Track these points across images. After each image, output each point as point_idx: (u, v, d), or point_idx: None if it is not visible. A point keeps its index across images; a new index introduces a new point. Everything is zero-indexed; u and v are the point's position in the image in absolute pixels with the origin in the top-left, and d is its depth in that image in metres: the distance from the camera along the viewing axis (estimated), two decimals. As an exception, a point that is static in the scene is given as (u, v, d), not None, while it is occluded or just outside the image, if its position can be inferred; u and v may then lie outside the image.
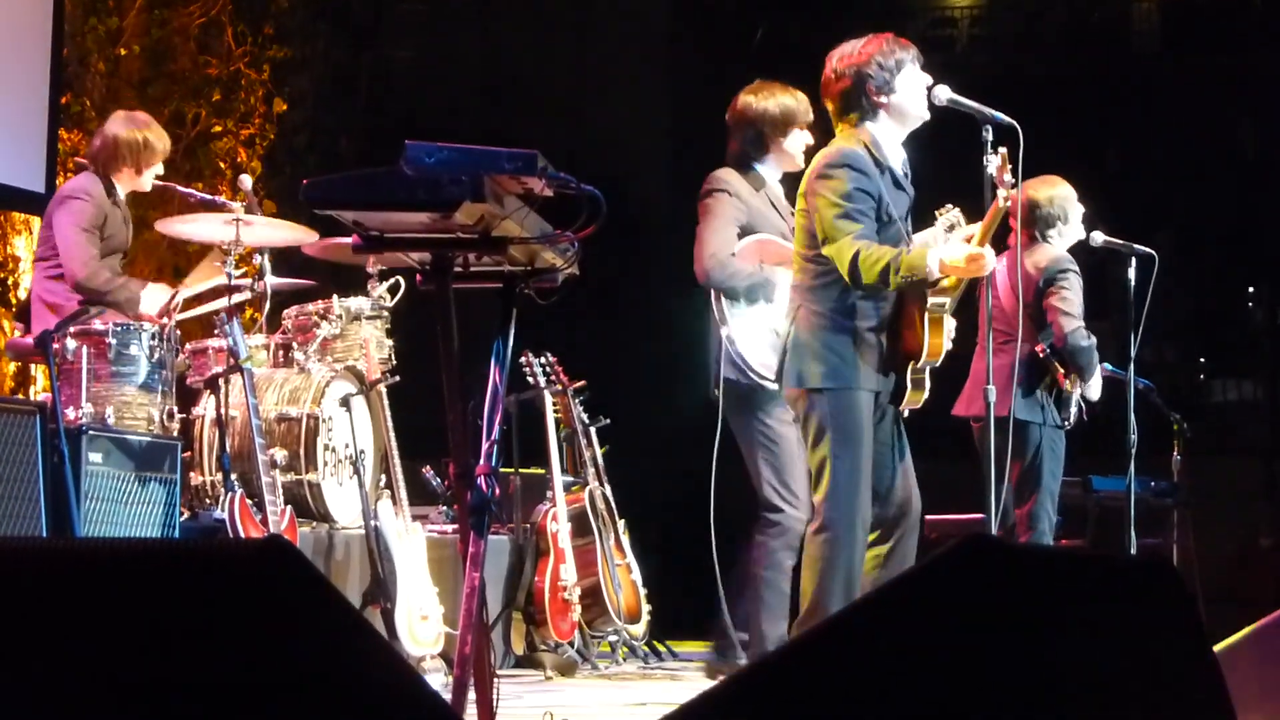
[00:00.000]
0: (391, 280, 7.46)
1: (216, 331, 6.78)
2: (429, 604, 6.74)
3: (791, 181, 6.73)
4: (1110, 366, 7.31)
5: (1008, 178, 5.45)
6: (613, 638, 8.12)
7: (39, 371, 8.72)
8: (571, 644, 7.74)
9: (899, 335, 5.59)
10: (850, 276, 5.46)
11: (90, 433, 6.06)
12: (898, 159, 5.68)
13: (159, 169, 7.23)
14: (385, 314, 7.49)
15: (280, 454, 6.96)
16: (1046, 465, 7.01)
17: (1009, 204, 5.49)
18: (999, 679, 2.26)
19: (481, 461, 3.98)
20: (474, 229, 3.90)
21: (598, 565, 7.86)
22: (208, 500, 6.92)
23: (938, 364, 5.62)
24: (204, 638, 2.20)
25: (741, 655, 6.70)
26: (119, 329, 6.48)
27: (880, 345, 5.58)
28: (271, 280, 7.13)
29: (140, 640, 2.23)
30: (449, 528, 7.82)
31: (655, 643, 8.42)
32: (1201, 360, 13.76)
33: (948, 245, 5.51)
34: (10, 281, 9.36)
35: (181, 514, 6.52)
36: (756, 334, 6.42)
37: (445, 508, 8.18)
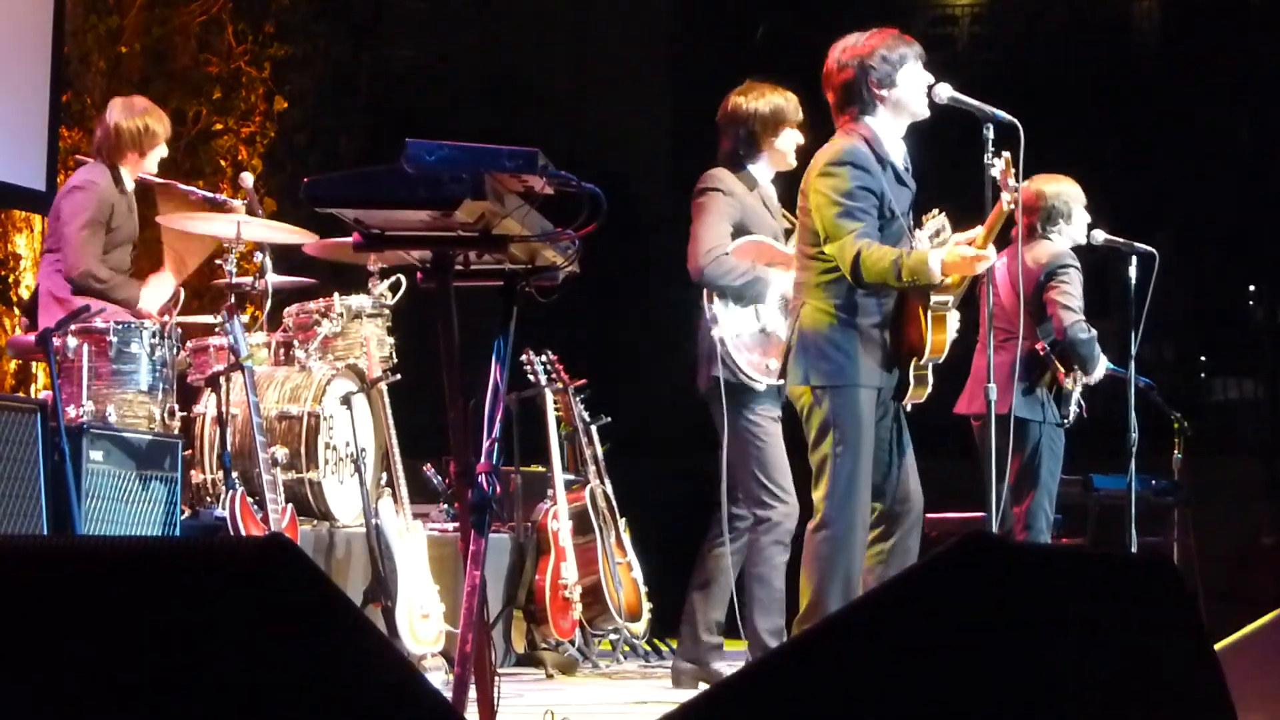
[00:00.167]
0: (392, 278, 7.46)
1: (217, 330, 6.78)
2: (430, 602, 6.74)
3: (783, 181, 6.76)
4: (1111, 365, 7.31)
5: (1012, 181, 5.46)
6: (613, 636, 8.13)
7: (40, 369, 8.72)
8: (572, 642, 7.74)
9: (902, 331, 5.59)
10: (852, 275, 5.47)
11: (91, 431, 6.06)
12: (898, 154, 5.68)
13: (164, 151, 7.24)
14: (386, 312, 7.49)
15: (281, 452, 6.96)
16: (1045, 464, 7.01)
17: (1012, 207, 5.50)
18: (999, 677, 2.26)
19: (482, 460, 3.98)
20: (475, 227, 3.90)
21: (598, 563, 7.86)
22: (209, 498, 6.92)
23: (940, 360, 5.62)
24: (205, 636, 2.20)
25: (716, 657, 6.73)
26: (120, 327, 6.47)
27: (884, 342, 5.59)
28: (272, 278, 7.14)
29: (141, 639, 2.23)
30: (450, 526, 7.82)
31: (656, 641, 8.42)
32: (1202, 359, 13.75)
33: (948, 247, 5.51)
34: (11, 279, 9.36)
35: (182, 512, 6.53)
36: (747, 334, 6.44)
37: (446, 506, 8.18)
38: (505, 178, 3.84)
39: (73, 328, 6.37)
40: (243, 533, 6.19)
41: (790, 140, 6.65)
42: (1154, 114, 12.86)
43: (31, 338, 6.76)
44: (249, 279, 7.04)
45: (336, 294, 7.44)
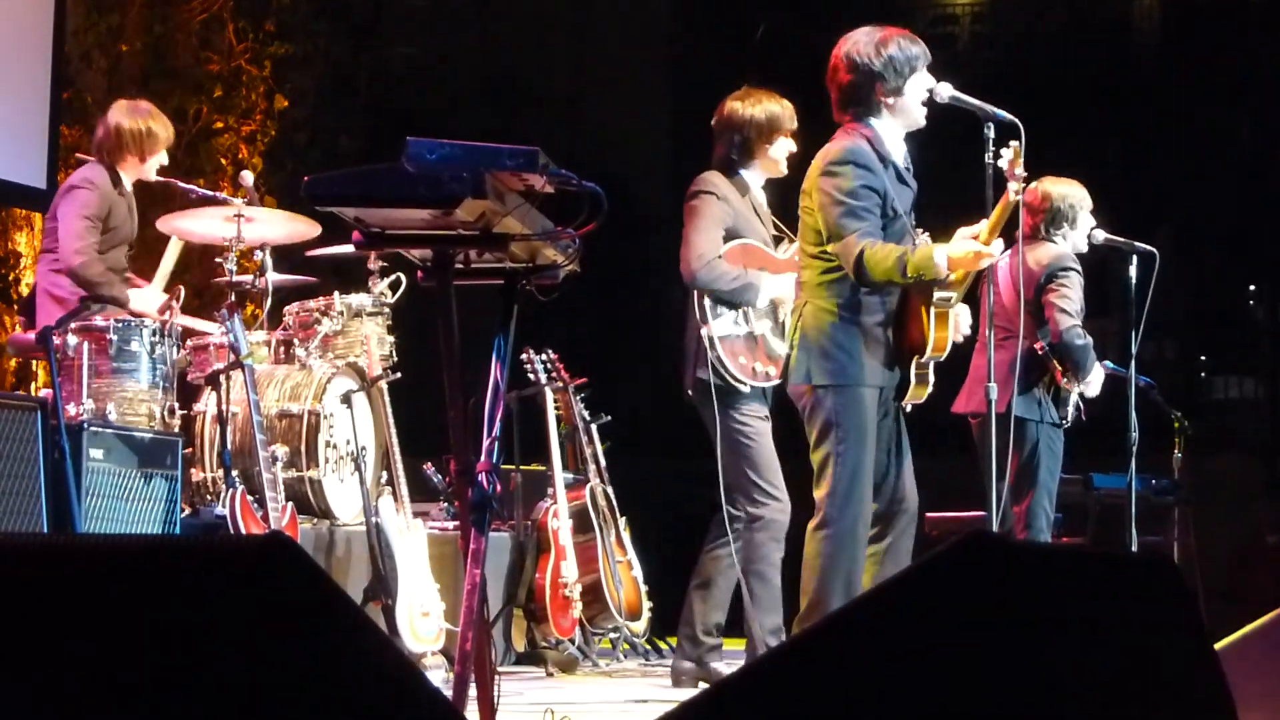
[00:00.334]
0: (393, 277, 7.47)
1: (218, 328, 6.79)
2: (430, 601, 6.74)
3: (774, 188, 6.78)
4: (1111, 364, 7.31)
5: (1019, 172, 5.46)
6: (613, 635, 8.13)
7: (40, 367, 8.72)
8: (572, 641, 7.74)
9: (904, 330, 5.59)
10: (856, 274, 5.46)
11: (91, 429, 6.07)
12: (900, 153, 5.68)
13: (163, 157, 7.23)
14: (386, 310, 7.49)
15: (281, 450, 6.96)
16: (1044, 463, 7.01)
17: (1018, 198, 5.49)
18: (1000, 676, 2.26)
19: (482, 458, 3.98)
20: (475, 226, 3.90)
21: (599, 562, 7.86)
22: (209, 496, 6.93)
23: (942, 358, 5.62)
24: (205, 634, 2.20)
25: (715, 658, 6.73)
26: (120, 325, 6.48)
27: (887, 341, 5.58)
28: (273, 276, 7.14)
29: (141, 637, 2.23)
30: (450, 524, 7.82)
31: (656, 640, 8.42)
32: (1202, 358, 13.74)
33: (954, 242, 5.51)
34: (11, 277, 9.36)
35: (182, 510, 6.53)
36: (735, 336, 6.46)
37: (446, 504, 8.18)
38: (506, 176, 3.84)
39: (73, 325, 6.37)
40: (243, 531, 6.19)
41: (784, 148, 6.68)
42: (1154, 113, 12.86)
43: (32, 335, 6.76)
44: (249, 277, 7.04)
45: (337, 292, 7.44)
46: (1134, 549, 7.09)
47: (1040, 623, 2.35)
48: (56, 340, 6.25)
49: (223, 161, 10.24)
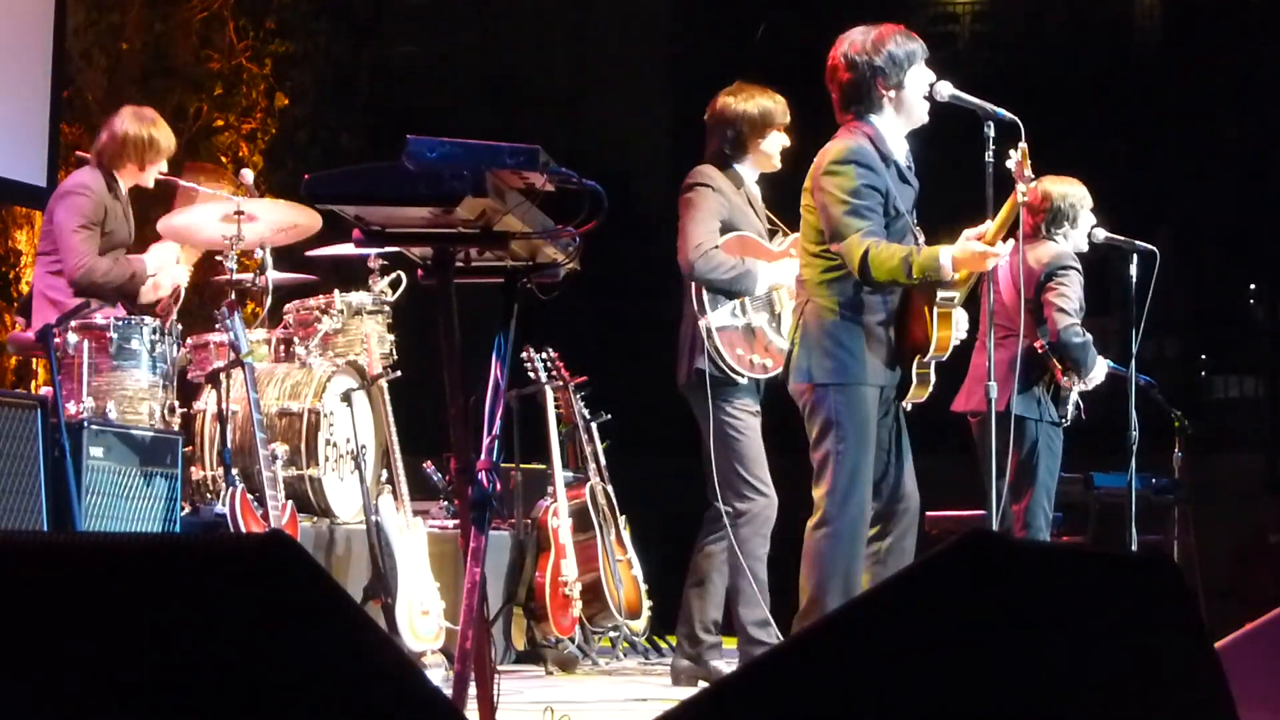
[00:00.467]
0: (393, 275, 7.47)
1: (217, 326, 6.79)
2: (430, 599, 6.74)
3: (766, 182, 6.78)
4: (1112, 363, 7.31)
5: (1028, 173, 5.47)
6: (613, 633, 8.13)
7: (40, 366, 8.72)
8: (572, 639, 7.74)
9: (906, 329, 5.59)
10: (861, 274, 5.46)
11: (91, 427, 6.07)
12: (901, 152, 5.67)
13: (162, 166, 7.24)
14: (387, 309, 7.49)
15: (281, 449, 6.96)
16: (1043, 462, 7.01)
17: (1026, 199, 5.51)
18: (999, 676, 2.26)
19: (482, 457, 3.98)
20: (475, 224, 3.90)
21: (598, 561, 7.86)
22: (209, 495, 6.93)
23: (944, 358, 5.62)
24: (205, 633, 2.20)
25: (715, 656, 6.74)
26: (120, 323, 6.48)
27: (888, 340, 5.58)
28: (273, 275, 7.14)
29: (141, 635, 2.23)
30: (450, 523, 7.82)
31: (656, 638, 8.42)
32: (1202, 357, 13.75)
33: (959, 243, 5.51)
34: (11, 276, 9.36)
35: (182, 509, 6.53)
36: (732, 327, 6.47)
37: (446, 503, 8.18)
38: (506, 175, 3.84)
39: (73, 324, 6.37)
40: (243, 529, 6.19)
41: (776, 143, 6.69)
42: (1155, 113, 12.86)
43: (31, 334, 6.76)
44: (249, 275, 7.04)
45: (337, 291, 7.44)
46: (1134, 548, 7.09)
47: (1040, 622, 2.35)
48: (56, 338, 6.26)
49: (223, 160, 10.23)
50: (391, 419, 7.01)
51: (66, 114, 9.42)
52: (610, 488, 8.14)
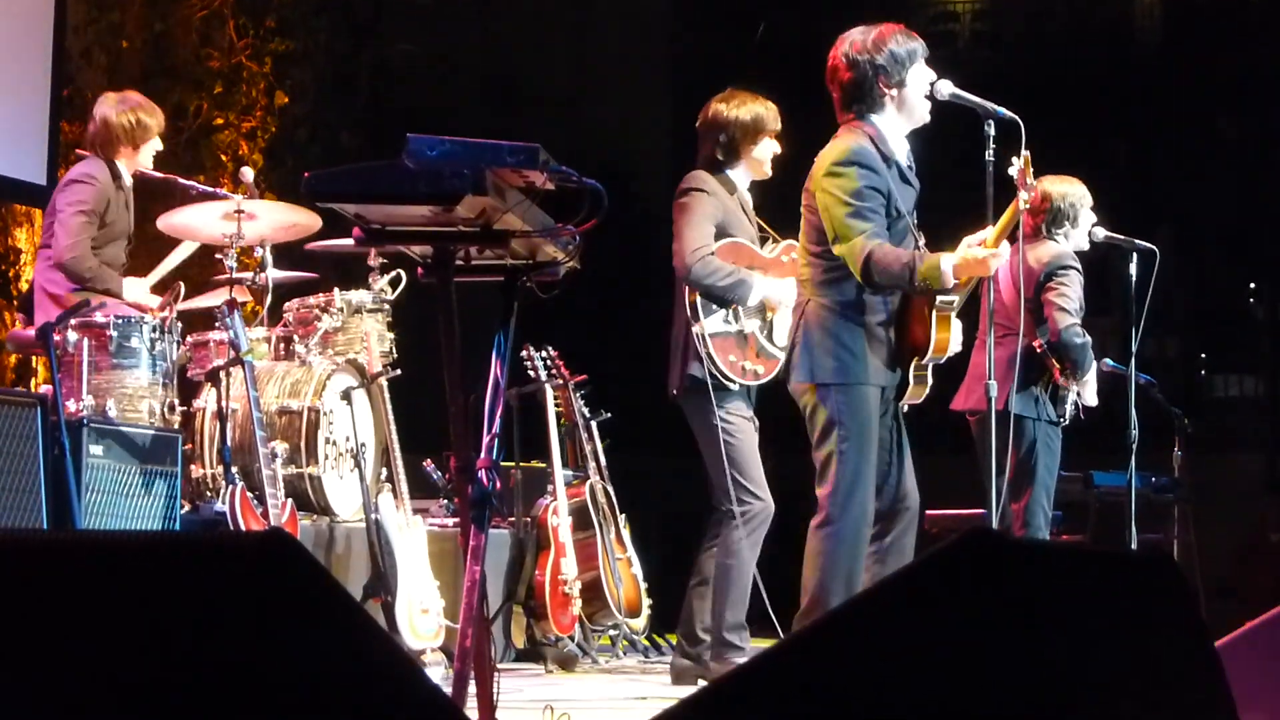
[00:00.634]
0: (393, 273, 7.47)
1: (217, 324, 6.79)
2: (429, 597, 6.74)
3: (758, 188, 6.78)
4: (1111, 362, 7.31)
5: (1030, 180, 5.47)
6: (613, 632, 8.13)
7: (39, 364, 8.73)
8: (572, 638, 7.74)
9: (906, 329, 5.59)
10: (863, 277, 5.47)
11: (91, 425, 6.07)
12: (903, 152, 5.67)
13: (158, 144, 7.24)
14: (386, 307, 7.49)
15: (281, 447, 6.96)
16: (1042, 460, 7.01)
17: (1029, 205, 5.52)
18: (999, 674, 2.26)
19: (482, 455, 3.98)
20: (475, 222, 3.90)
21: (598, 559, 7.86)
22: (208, 493, 6.93)
23: (943, 360, 5.63)
24: (204, 631, 2.20)
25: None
26: (120, 321, 6.48)
27: (889, 340, 5.59)
28: (273, 273, 7.14)
29: (140, 633, 2.23)
30: (450, 521, 7.82)
31: (655, 637, 8.42)
32: (1203, 356, 13.75)
33: (960, 250, 5.51)
34: (11, 274, 9.36)
35: (182, 507, 6.53)
36: (727, 334, 6.47)
37: (446, 501, 8.18)
38: (506, 173, 3.84)
39: (73, 322, 6.37)
40: (242, 527, 6.19)
41: (768, 150, 6.70)
42: (1155, 112, 12.86)
43: (31, 332, 6.76)
44: (249, 274, 7.04)
45: (337, 289, 7.44)
46: (1134, 547, 7.09)
47: (1039, 621, 2.35)
48: (56, 336, 6.25)
49: (223, 158, 10.24)
50: (391, 417, 7.01)
51: (66, 112, 9.42)
52: (610, 486, 8.14)
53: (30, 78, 8.86)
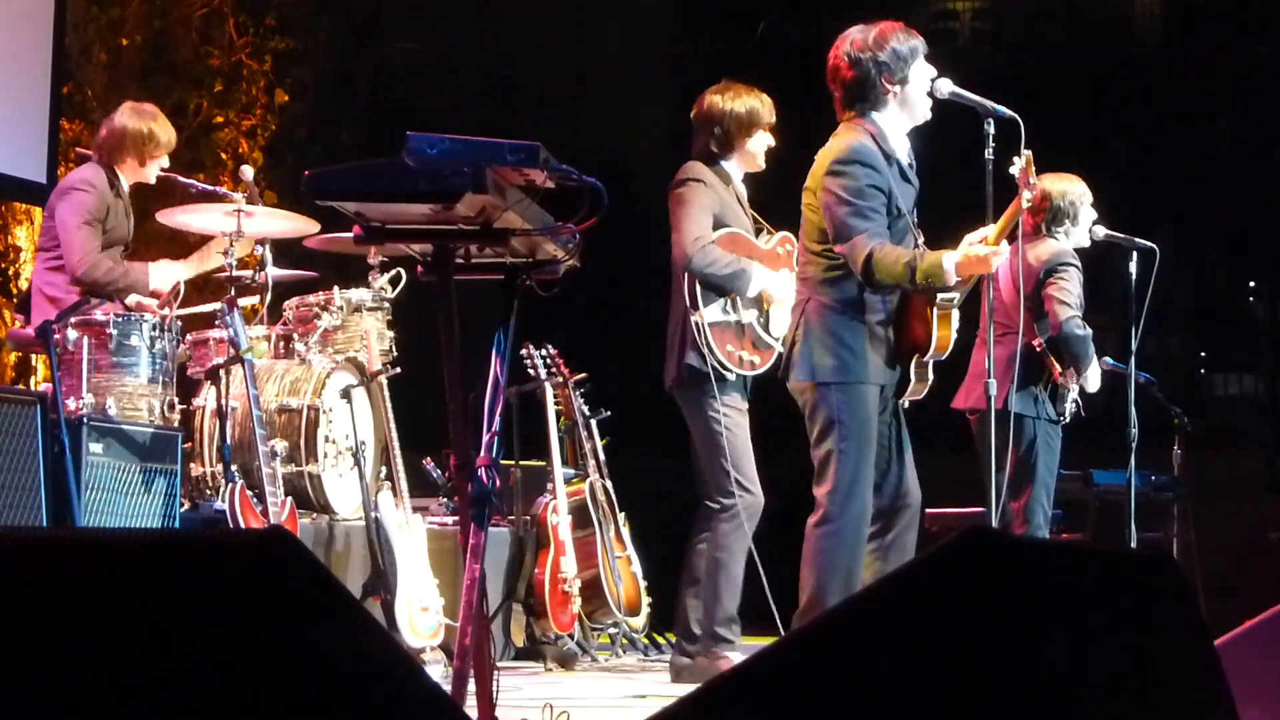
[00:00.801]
0: (393, 272, 7.47)
1: (217, 322, 6.79)
2: (429, 596, 6.74)
3: (752, 182, 6.78)
4: (1111, 361, 7.31)
5: (1032, 179, 5.47)
6: (613, 630, 8.12)
7: (39, 362, 8.73)
8: (571, 636, 7.74)
9: (905, 327, 5.60)
10: (864, 276, 5.47)
11: (91, 423, 6.07)
12: (903, 150, 5.68)
13: (164, 161, 7.23)
14: (386, 305, 7.49)
15: (281, 445, 6.96)
16: (1041, 459, 7.02)
17: (1030, 204, 5.53)
18: (998, 673, 2.26)
19: (482, 453, 3.98)
20: (475, 220, 3.90)
21: (598, 558, 7.86)
22: (208, 491, 6.93)
23: (944, 357, 5.63)
24: (204, 629, 2.20)
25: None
26: (120, 320, 6.48)
27: (889, 339, 5.59)
28: (272, 271, 7.14)
29: (140, 631, 2.23)
30: (449, 519, 7.82)
31: (655, 635, 8.41)
32: (1202, 354, 13.76)
33: (961, 248, 5.51)
34: (11, 272, 9.36)
35: (182, 505, 6.53)
36: (725, 324, 6.47)
37: (446, 499, 8.17)
38: (506, 171, 3.84)
39: (72, 320, 6.37)
40: (242, 525, 6.19)
41: (761, 143, 6.69)
42: (1155, 111, 12.87)
43: (31, 330, 6.76)
44: (249, 272, 7.04)
45: (336, 287, 7.44)
46: (1133, 545, 7.09)
47: (1039, 619, 2.35)
48: (56, 335, 6.25)
49: (223, 156, 10.24)
50: (391, 415, 7.00)
51: (66, 110, 9.42)
52: (609, 484, 8.14)
53: (30, 75, 8.87)
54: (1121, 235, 7.23)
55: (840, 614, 2.46)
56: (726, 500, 6.54)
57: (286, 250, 7.58)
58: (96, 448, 6.05)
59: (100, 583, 2.28)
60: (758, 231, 6.74)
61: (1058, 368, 6.99)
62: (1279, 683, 3.45)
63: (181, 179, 7.43)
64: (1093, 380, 7.07)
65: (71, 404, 6.24)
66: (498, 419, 3.99)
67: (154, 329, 6.52)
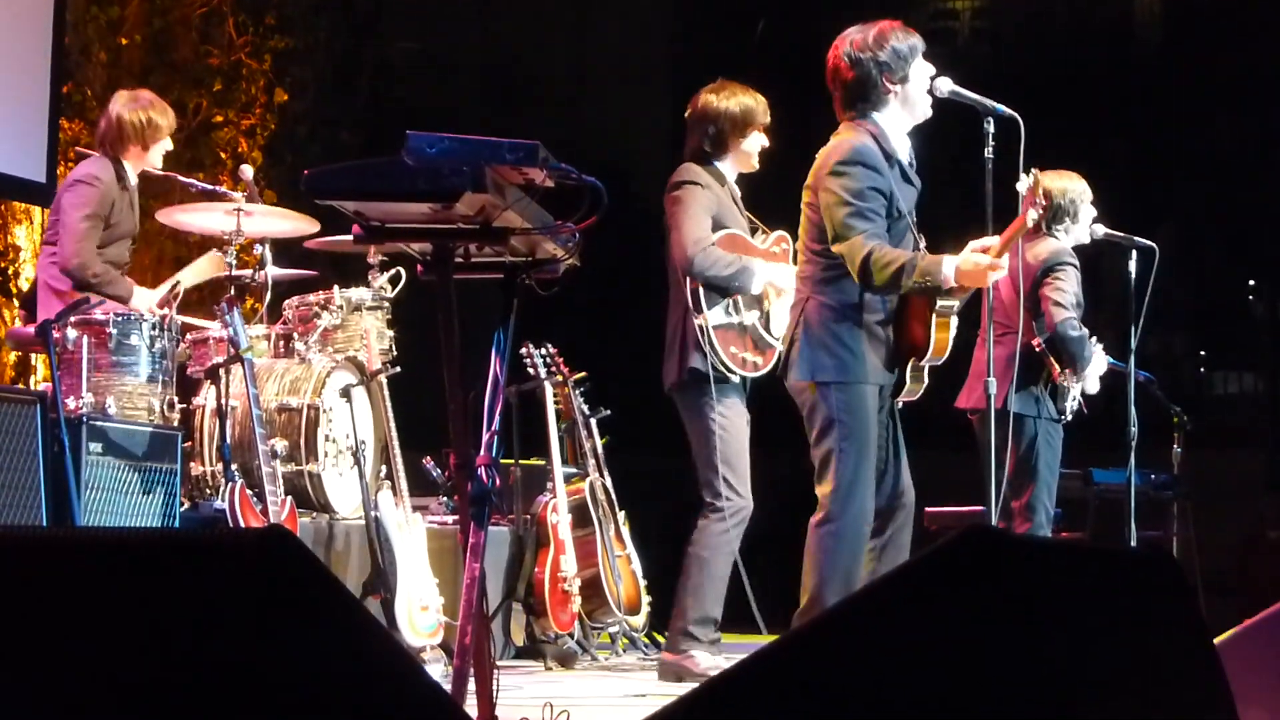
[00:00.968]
0: (392, 271, 7.46)
1: (217, 322, 6.79)
2: (429, 594, 6.74)
3: (751, 183, 6.77)
4: (1111, 359, 7.31)
5: (1039, 199, 5.47)
6: (613, 629, 8.12)
7: (39, 361, 8.73)
8: (571, 635, 7.74)
9: (904, 329, 5.59)
10: (861, 277, 5.46)
11: (91, 422, 6.06)
12: (904, 150, 5.67)
13: (168, 144, 7.23)
14: (386, 304, 7.49)
15: (281, 444, 6.96)
16: (1043, 458, 7.01)
17: (1033, 224, 5.53)
18: (998, 671, 2.26)
19: (482, 452, 3.98)
20: (475, 219, 3.90)
21: (598, 556, 7.86)
22: (208, 490, 6.93)
23: (941, 361, 5.63)
24: (204, 628, 2.20)
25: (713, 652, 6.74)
26: (120, 319, 6.48)
27: (888, 340, 5.59)
28: (272, 271, 7.14)
29: (140, 630, 2.23)
30: (449, 518, 7.81)
31: (655, 634, 8.40)
32: (1202, 353, 13.77)
33: (964, 255, 5.50)
34: (11, 271, 9.36)
35: (182, 504, 6.53)
36: (728, 326, 6.47)
37: (445, 498, 8.17)
38: (506, 170, 3.84)
39: (72, 319, 6.37)
40: (242, 524, 6.19)
41: (756, 143, 6.67)
42: (1155, 110, 12.87)
43: (31, 329, 6.76)
44: (249, 271, 7.04)
45: (336, 286, 7.44)
46: (1133, 544, 7.09)
47: (1039, 617, 2.35)
48: (56, 334, 6.25)
49: (222, 155, 10.24)
50: (391, 414, 7.00)
51: (66, 110, 9.42)
52: (609, 483, 8.14)
53: (30, 75, 8.86)
54: (1121, 234, 7.22)
55: (840, 613, 2.46)
56: (716, 501, 6.53)
57: (286, 249, 7.58)
58: (96, 447, 6.05)
59: (100, 582, 2.28)
60: (753, 231, 6.73)
61: (1056, 368, 6.99)
62: (1279, 682, 3.45)
63: (181, 178, 7.43)
64: (1091, 382, 7.07)
65: (71, 403, 6.23)
66: (497, 418, 3.99)
67: (154, 328, 6.52)
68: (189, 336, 7.13)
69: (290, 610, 2.21)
